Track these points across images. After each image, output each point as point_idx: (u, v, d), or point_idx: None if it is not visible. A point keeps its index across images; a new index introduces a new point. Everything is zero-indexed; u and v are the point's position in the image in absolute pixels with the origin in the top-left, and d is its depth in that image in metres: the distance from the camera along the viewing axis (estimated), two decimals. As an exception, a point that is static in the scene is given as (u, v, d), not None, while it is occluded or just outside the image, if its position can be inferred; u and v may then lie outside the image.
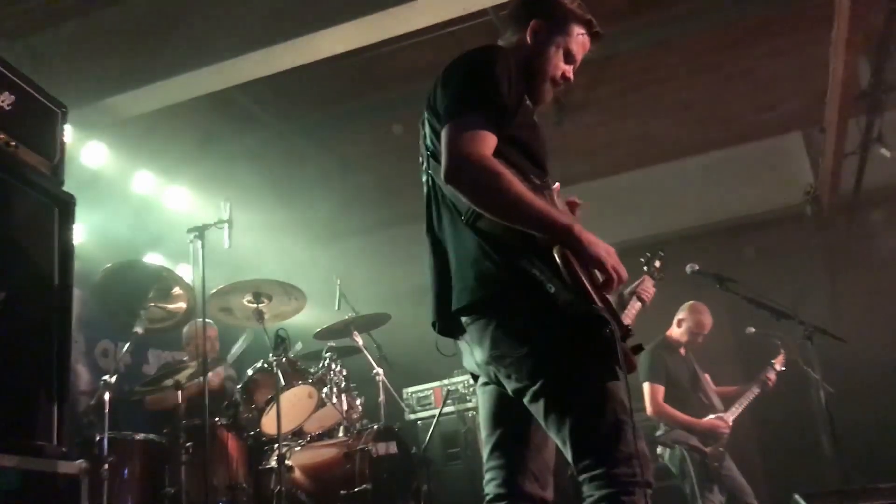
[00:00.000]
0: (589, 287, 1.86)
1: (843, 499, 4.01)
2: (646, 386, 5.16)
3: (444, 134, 1.96)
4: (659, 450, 5.11)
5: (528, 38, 2.28)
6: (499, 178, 1.87)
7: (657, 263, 4.09)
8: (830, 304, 6.56)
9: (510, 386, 2.01)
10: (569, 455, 1.92)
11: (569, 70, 2.33)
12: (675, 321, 5.46)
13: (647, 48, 5.68)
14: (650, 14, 5.30)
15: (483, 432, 2.20)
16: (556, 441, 1.96)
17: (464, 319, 2.06)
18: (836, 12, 4.50)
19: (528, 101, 2.19)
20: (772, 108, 6.58)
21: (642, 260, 4.14)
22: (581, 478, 1.89)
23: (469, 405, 5.52)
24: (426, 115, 2.17)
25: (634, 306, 4.02)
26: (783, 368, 5.28)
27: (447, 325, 2.12)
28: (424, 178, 2.23)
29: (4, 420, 2.38)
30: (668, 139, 7.00)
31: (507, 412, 2.08)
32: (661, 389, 5.13)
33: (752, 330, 5.22)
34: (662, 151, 7.20)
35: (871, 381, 5.97)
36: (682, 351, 5.39)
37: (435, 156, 2.09)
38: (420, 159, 2.24)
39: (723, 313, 6.06)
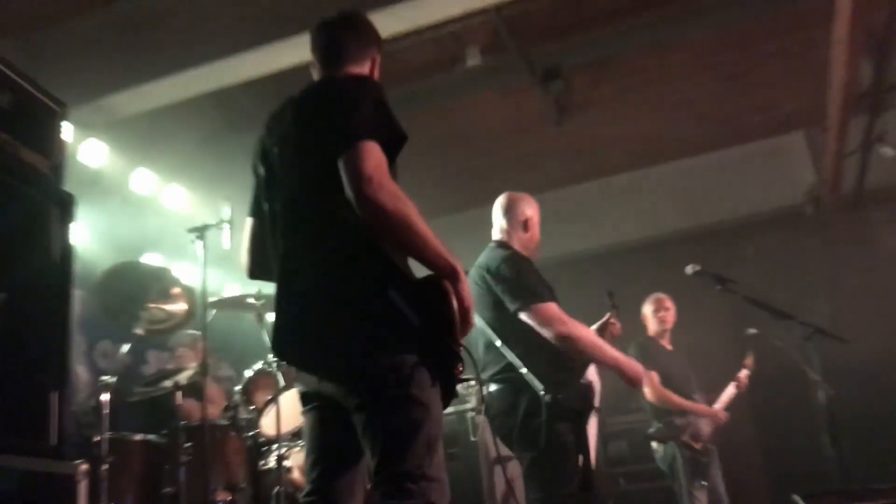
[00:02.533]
0: (457, 325, 2.01)
1: (843, 499, 4.00)
2: None
3: (351, 156, 1.94)
4: (654, 445, 5.11)
5: (371, 71, 2.42)
6: (410, 207, 1.94)
7: (614, 303, 4.17)
8: (831, 304, 6.56)
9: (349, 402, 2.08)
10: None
11: None
12: (643, 318, 5.49)
13: (647, 48, 5.68)
14: (650, 14, 5.29)
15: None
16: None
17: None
18: (836, 12, 4.50)
19: None
20: (772, 108, 6.58)
21: (609, 295, 4.19)
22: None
23: (468, 406, 5.51)
24: (295, 132, 2.20)
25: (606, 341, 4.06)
26: (749, 372, 5.39)
27: (305, 355, 2.12)
28: (266, 206, 2.31)
29: (4, 420, 2.37)
30: (668, 139, 7.00)
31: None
32: (654, 374, 5.11)
33: (753, 331, 5.23)
34: (662, 151, 7.20)
35: (871, 381, 5.98)
36: (667, 344, 5.40)
37: (308, 177, 2.11)
38: (258, 182, 2.37)
39: (723, 314, 6.08)
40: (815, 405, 4.57)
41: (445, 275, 2.01)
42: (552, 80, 5.65)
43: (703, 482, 4.89)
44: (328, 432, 2.17)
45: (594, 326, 4.11)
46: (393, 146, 2.04)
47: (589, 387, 3.34)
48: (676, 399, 5.05)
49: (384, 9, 4.32)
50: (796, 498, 3.97)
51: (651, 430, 5.16)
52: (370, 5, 4.29)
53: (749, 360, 5.46)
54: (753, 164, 7.09)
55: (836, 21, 4.56)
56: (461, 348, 2.04)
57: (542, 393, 3.21)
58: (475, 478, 5.26)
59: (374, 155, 1.94)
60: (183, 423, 4.09)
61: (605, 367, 3.36)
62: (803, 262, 6.80)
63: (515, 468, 3.80)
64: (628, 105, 6.40)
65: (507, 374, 3.32)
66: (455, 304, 2.02)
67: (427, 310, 1.99)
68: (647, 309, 5.49)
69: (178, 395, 4.18)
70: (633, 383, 3.45)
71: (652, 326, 5.46)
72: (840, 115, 5.29)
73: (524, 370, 3.26)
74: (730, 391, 5.31)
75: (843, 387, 4.80)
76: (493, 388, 3.42)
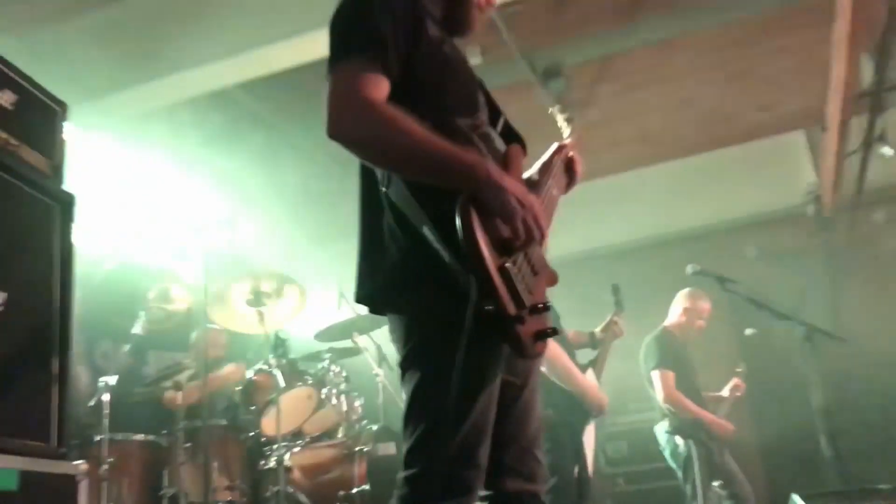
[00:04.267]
0: (484, 251, 1.57)
1: (842, 499, 4.00)
2: (655, 374, 5.08)
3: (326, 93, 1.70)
4: (677, 440, 5.05)
5: None
6: (385, 120, 1.63)
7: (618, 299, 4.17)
8: (831, 304, 6.55)
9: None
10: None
11: None
12: (671, 310, 5.45)
13: (647, 48, 5.67)
14: (650, 13, 5.29)
15: None
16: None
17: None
18: (837, 11, 4.49)
19: (433, 34, 1.85)
20: (773, 108, 6.57)
21: (612, 293, 4.19)
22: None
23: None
24: None
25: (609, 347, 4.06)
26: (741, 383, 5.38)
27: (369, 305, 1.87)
28: None
29: (4, 420, 2.37)
30: (668, 139, 6.99)
31: None
32: (671, 375, 5.05)
33: (752, 331, 5.22)
34: (662, 151, 7.19)
35: (870, 381, 5.97)
36: (683, 342, 5.37)
37: None
38: None
39: (723, 314, 6.07)
40: (814, 405, 4.56)
41: (467, 184, 1.63)
42: (553, 79, 5.64)
43: (717, 481, 4.85)
44: None
45: (599, 327, 4.12)
46: (381, 56, 1.70)
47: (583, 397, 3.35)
48: (690, 405, 4.99)
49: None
50: (795, 498, 3.97)
51: (659, 426, 5.09)
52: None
53: (738, 380, 5.43)
54: (753, 164, 7.08)
55: (837, 21, 4.56)
56: (497, 280, 1.57)
57: None
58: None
59: (340, 82, 1.68)
60: (183, 423, 4.09)
61: (571, 391, 3.34)
62: (804, 263, 6.79)
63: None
64: (628, 105, 6.39)
65: None
66: (477, 223, 1.59)
67: (457, 242, 1.59)
68: (686, 303, 5.39)
69: (179, 395, 4.19)
70: (596, 411, 3.46)
71: (676, 319, 5.39)
72: (840, 114, 5.28)
73: None
74: (729, 399, 5.29)
75: (843, 387, 4.81)
76: None
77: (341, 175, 6.72)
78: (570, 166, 2.24)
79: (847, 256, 6.74)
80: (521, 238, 1.67)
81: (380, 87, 1.68)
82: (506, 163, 1.86)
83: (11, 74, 2.67)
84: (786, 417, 6.19)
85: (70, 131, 2.88)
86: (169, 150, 5.76)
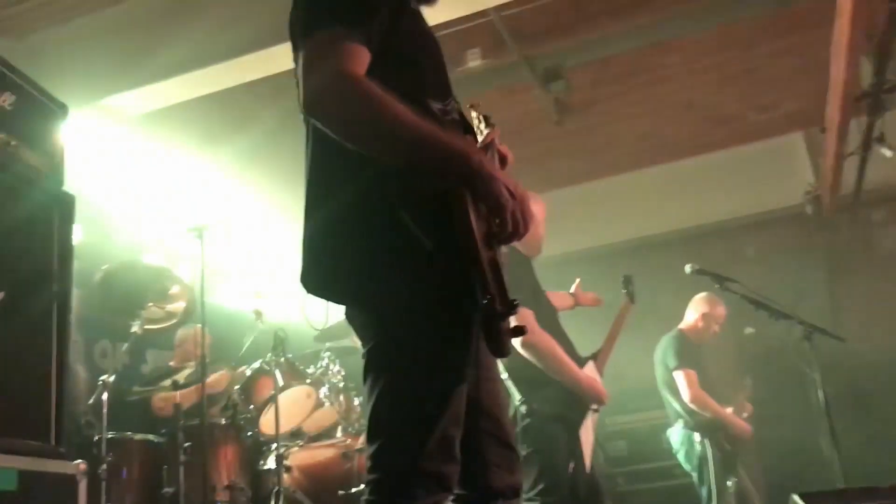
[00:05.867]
0: (479, 244, 1.49)
1: (841, 499, 4.00)
2: (678, 374, 4.99)
3: (300, 58, 1.57)
4: (675, 443, 5.02)
5: None
6: (370, 100, 1.48)
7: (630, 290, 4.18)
8: (830, 304, 6.56)
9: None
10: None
11: None
12: (687, 313, 5.40)
13: (647, 48, 5.67)
14: (650, 14, 5.29)
15: None
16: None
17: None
18: (837, 12, 4.49)
19: (414, 6, 1.76)
20: (772, 108, 6.57)
21: (623, 285, 4.22)
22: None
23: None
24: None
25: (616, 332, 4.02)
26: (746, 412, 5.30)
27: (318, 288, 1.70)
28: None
29: (2, 420, 2.38)
30: (668, 139, 6.99)
31: None
32: (694, 374, 4.96)
33: (751, 330, 5.20)
34: (662, 151, 7.19)
35: (870, 381, 5.98)
36: (698, 345, 5.33)
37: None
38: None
39: (722, 313, 6.07)
40: (814, 405, 4.56)
41: (446, 169, 1.53)
42: (553, 81, 5.65)
43: (732, 481, 4.82)
44: None
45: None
46: (363, 24, 1.55)
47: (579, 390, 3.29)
48: (714, 405, 4.93)
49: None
50: (795, 498, 3.97)
51: (680, 427, 5.05)
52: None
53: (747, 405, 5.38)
54: (753, 164, 7.07)
55: (836, 21, 4.56)
56: (489, 274, 1.49)
57: (518, 403, 3.17)
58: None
59: (318, 53, 1.54)
60: (182, 422, 4.09)
61: (564, 383, 3.26)
62: (803, 263, 6.80)
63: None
64: (628, 105, 6.39)
65: None
66: (471, 212, 1.50)
67: (441, 229, 1.51)
68: (704, 307, 5.32)
69: (177, 395, 4.19)
70: (597, 402, 3.39)
71: (693, 323, 5.33)
72: (840, 115, 5.28)
73: (504, 375, 3.22)
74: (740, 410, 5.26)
75: (843, 386, 4.80)
76: None
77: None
78: (503, 159, 2.11)
79: (846, 256, 6.74)
80: (507, 231, 1.58)
81: (361, 60, 1.54)
82: None
83: (11, 76, 2.68)
84: (785, 416, 6.20)
85: (69, 132, 2.89)
86: (170, 150, 5.77)
